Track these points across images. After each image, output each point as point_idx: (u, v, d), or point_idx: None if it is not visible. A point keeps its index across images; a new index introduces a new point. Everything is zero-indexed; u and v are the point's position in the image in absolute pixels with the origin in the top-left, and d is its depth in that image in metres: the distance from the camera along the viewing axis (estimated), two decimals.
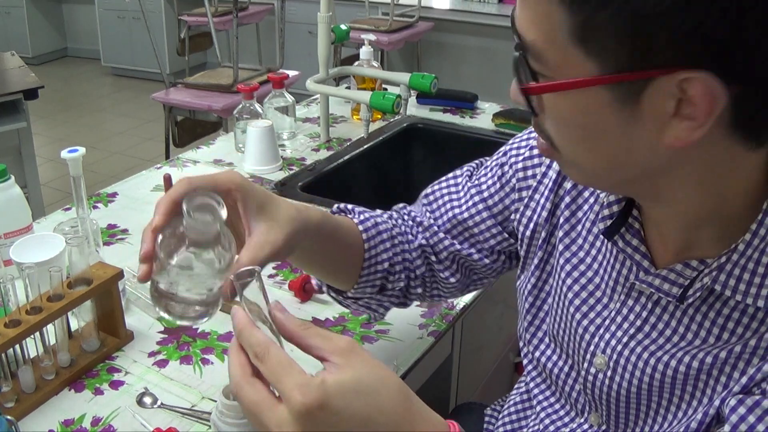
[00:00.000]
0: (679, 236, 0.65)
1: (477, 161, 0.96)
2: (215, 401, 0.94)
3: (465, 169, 0.96)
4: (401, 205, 0.99)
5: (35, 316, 0.91)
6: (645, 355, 0.68)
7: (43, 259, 1.02)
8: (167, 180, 1.25)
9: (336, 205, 0.94)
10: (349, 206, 0.93)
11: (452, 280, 0.92)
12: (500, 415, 0.99)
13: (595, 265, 0.75)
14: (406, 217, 0.95)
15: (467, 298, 1.17)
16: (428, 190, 0.96)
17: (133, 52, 5.66)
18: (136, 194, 1.54)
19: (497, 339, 1.53)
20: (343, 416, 0.52)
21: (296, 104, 1.90)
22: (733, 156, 0.57)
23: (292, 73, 2.73)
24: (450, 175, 0.96)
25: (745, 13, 0.48)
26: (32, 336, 0.92)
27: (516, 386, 0.99)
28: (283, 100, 1.82)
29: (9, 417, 0.83)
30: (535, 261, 0.85)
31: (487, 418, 1.03)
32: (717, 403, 0.62)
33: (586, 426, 0.79)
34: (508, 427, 0.96)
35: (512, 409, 0.97)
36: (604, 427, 0.76)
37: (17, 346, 0.91)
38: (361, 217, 0.90)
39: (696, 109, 0.52)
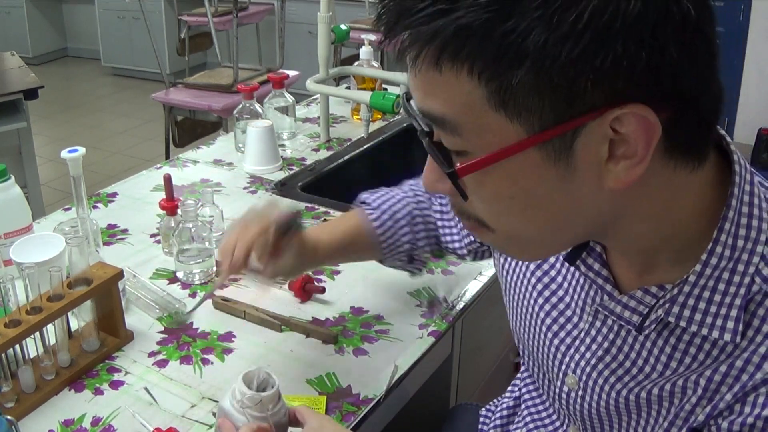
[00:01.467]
0: (639, 260, 0.63)
1: None
2: (216, 401, 0.94)
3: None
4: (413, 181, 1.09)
5: (35, 316, 0.91)
6: (612, 380, 0.68)
7: (43, 259, 1.02)
8: (167, 180, 1.25)
9: (359, 197, 1.07)
10: (370, 198, 1.04)
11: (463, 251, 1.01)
12: (493, 416, 1.00)
13: (566, 285, 0.74)
14: (437, 216, 1.04)
15: (467, 297, 1.17)
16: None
17: (133, 52, 5.65)
18: (136, 194, 1.54)
19: (497, 339, 1.53)
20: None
21: (296, 104, 1.90)
22: (678, 182, 0.55)
23: (292, 73, 2.73)
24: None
25: (661, 34, 0.46)
26: (32, 336, 0.92)
27: (510, 388, 1.00)
28: (283, 100, 1.82)
29: (9, 417, 0.83)
30: (504, 273, 0.83)
31: (481, 419, 1.04)
32: (679, 430, 0.61)
33: None
34: (499, 430, 0.97)
35: (504, 412, 0.97)
36: None
37: (17, 346, 0.91)
38: (376, 214, 1.01)
39: (631, 146, 0.50)
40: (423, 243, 1.02)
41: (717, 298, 0.57)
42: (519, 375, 0.98)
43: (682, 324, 0.59)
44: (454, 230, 1.00)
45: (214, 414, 0.92)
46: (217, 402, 0.93)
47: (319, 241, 0.97)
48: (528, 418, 0.89)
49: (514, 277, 0.81)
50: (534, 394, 0.90)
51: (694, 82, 0.49)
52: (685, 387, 0.61)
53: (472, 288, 1.20)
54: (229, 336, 1.08)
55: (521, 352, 0.85)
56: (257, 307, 1.12)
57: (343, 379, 0.99)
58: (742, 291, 0.57)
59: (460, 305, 1.15)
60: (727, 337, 0.57)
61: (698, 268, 0.57)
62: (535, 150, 0.50)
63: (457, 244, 1.00)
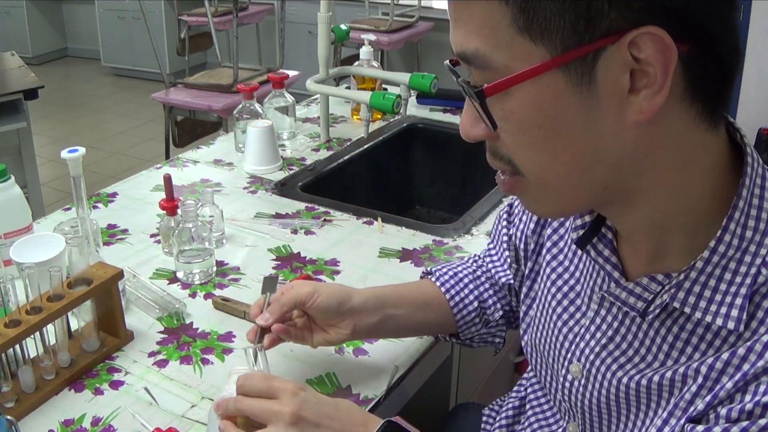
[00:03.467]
0: (649, 246, 0.64)
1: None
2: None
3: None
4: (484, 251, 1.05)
5: (35, 316, 0.91)
6: (614, 367, 0.68)
7: (43, 259, 1.02)
8: (167, 180, 1.25)
9: (423, 269, 1.05)
10: (433, 269, 1.01)
11: None
12: (498, 417, 1.00)
13: (577, 273, 0.75)
14: (488, 260, 1.01)
15: None
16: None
17: (133, 52, 5.66)
18: (136, 194, 1.54)
19: None
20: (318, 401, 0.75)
21: (296, 104, 1.90)
22: (696, 139, 0.56)
23: (292, 73, 2.73)
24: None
25: None
26: (32, 336, 0.92)
27: (516, 388, 1.00)
28: (283, 100, 1.82)
29: (9, 417, 0.83)
30: (526, 271, 0.85)
31: (484, 418, 1.04)
32: (678, 421, 0.61)
33: None
34: (504, 430, 0.96)
35: (510, 412, 0.97)
36: None
37: (17, 346, 0.91)
38: (439, 274, 0.99)
39: (651, 76, 0.51)
40: (491, 301, 0.97)
41: (723, 286, 0.58)
42: (525, 375, 0.98)
43: (687, 310, 0.60)
44: (498, 263, 0.98)
45: None
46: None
47: (387, 299, 0.94)
48: (533, 418, 0.89)
49: (533, 271, 0.84)
50: (539, 394, 0.90)
51: (708, 17, 0.51)
52: (686, 375, 0.61)
53: None
54: (229, 336, 1.08)
55: (527, 348, 0.85)
56: None
57: (343, 379, 0.99)
58: (748, 281, 0.57)
59: None
60: (731, 325, 0.58)
61: (706, 255, 0.58)
62: (559, 73, 0.52)
63: (501, 273, 0.97)
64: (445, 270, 1.00)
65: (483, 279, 0.99)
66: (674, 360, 0.63)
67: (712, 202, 0.59)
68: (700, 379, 0.60)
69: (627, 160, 0.57)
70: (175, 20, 4.68)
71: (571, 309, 0.75)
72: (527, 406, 0.92)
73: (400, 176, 1.94)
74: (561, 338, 0.76)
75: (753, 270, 0.57)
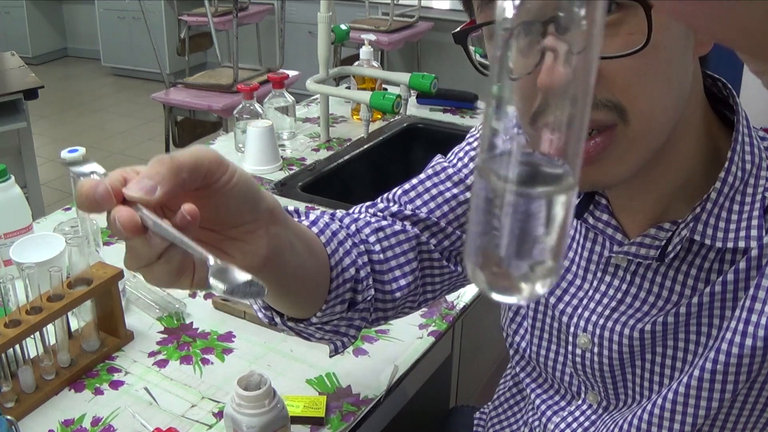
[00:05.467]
0: (653, 206, 0.66)
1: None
2: (216, 401, 0.94)
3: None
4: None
5: (35, 316, 0.91)
6: (631, 322, 0.69)
7: (43, 259, 1.02)
8: None
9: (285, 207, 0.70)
10: (290, 208, 0.73)
11: (402, 282, 0.77)
12: (488, 416, 0.98)
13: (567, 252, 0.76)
14: (340, 221, 0.79)
15: (467, 298, 1.17)
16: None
17: (133, 52, 5.65)
18: None
19: (497, 339, 1.53)
20: None
21: (296, 104, 1.90)
22: (699, 78, 0.61)
23: (292, 73, 2.73)
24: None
25: None
26: (32, 336, 0.92)
27: (502, 381, 0.98)
28: (283, 100, 1.82)
29: (9, 417, 0.83)
30: None
31: (476, 421, 1.03)
32: (735, 334, 0.62)
33: (585, 407, 0.79)
34: (498, 425, 0.95)
35: (504, 406, 0.96)
36: (604, 403, 0.76)
37: (17, 346, 0.91)
38: (313, 218, 0.74)
39: None
40: (364, 273, 0.74)
41: (734, 216, 0.62)
42: (507, 372, 0.96)
43: (707, 242, 0.62)
44: (397, 226, 0.78)
45: (214, 414, 0.92)
46: (217, 402, 0.93)
47: (287, 219, 0.62)
48: (537, 400, 0.84)
49: None
50: (535, 374, 0.86)
51: None
52: (713, 299, 0.64)
53: (472, 288, 1.20)
54: (229, 336, 1.08)
55: (516, 338, 0.84)
56: None
57: (343, 379, 0.99)
58: (757, 204, 0.62)
59: (460, 305, 1.15)
60: (753, 243, 0.61)
61: (718, 186, 0.62)
62: None
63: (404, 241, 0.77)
64: (319, 215, 0.75)
65: (351, 242, 0.75)
66: (700, 293, 0.64)
67: (708, 147, 0.63)
68: (728, 294, 0.63)
69: (684, 101, 0.60)
70: (175, 20, 4.67)
71: (563, 284, 0.75)
72: (528, 389, 0.88)
73: (400, 176, 1.93)
74: (557, 314, 0.76)
75: (758, 196, 0.62)
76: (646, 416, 0.69)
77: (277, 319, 0.72)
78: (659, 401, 0.68)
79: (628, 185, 0.64)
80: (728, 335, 0.62)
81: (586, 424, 0.78)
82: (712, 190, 0.62)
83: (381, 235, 0.77)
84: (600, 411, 0.77)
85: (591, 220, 0.70)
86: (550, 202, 0.29)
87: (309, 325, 0.72)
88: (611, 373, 0.73)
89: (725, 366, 0.62)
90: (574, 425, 0.79)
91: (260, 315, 0.74)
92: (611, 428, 0.74)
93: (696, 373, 0.64)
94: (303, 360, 1.02)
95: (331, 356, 0.79)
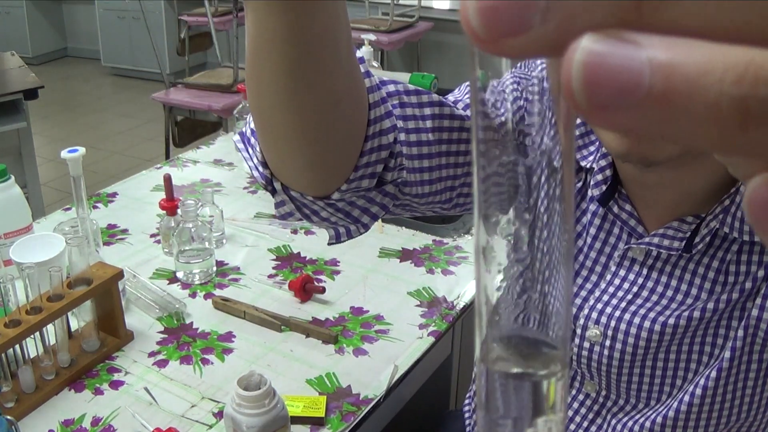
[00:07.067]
0: (678, 200, 0.65)
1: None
2: (216, 401, 0.94)
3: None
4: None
5: (35, 316, 0.91)
6: (652, 315, 0.69)
7: (43, 259, 1.02)
8: (167, 180, 1.25)
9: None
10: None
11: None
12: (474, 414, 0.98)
13: (578, 241, 0.75)
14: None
15: (467, 298, 1.17)
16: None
17: (133, 52, 5.65)
18: (136, 194, 1.54)
19: None
20: None
21: None
22: None
23: None
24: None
25: None
26: (32, 336, 0.92)
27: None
28: None
29: (9, 417, 0.83)
30: None
31: (467, 421, 1.03)
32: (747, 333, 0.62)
33: (581, 396, 0.79)
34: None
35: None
36: (604, 393, 0.76)
37: (17, 346, 0.91)
38: (370, 71, 0.63)
39: None
40: (398, 148, 0.63)
41: None
42: None
43: (735, 234, 0.62)
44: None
45: (214, 414, 0.92)
46: (217, 402, 0.94)
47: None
48: None
49: None
50: None
51: None
52: (740, 297, 0.63)
53: (472, 288, 1.20)
54: (229, 336, 1.08)
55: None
56: (257, 307, 1.12)
57: (343, 379, 0.99)
58: None
59: (460, 305, 1.15)
60: None
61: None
62: None
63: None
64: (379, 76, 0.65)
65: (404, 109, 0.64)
66: (717, 292, 0.64)
67: None
68: (755, 292, 0.62)
69: None
70: (175, 20, 4.67)
71: (577, 280, 0.75)
72: None
73: None
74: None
75: None
76: (659, 419, 0.69)
77: (277, 185, 0.60)
78: (674, 404, 0.68)
79: (659, 178, 0.65)
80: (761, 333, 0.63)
81: (583, 410, 0.78)
82: (741, 183, 0.62)
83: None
84: (600, 400, 0.77)
85: (615, 209, 0.69)
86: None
87: (322, 198, 0.60)
88: (619, 366, 0.72)
89: (748, 364, 0.63)
90: (569, 412, 0.79)
91: (256, 174, 0.61)
92: (617, 429, 0.74)
93: (713, 374, 0.65)
94: (303, 360, 1.02)
95: (329, 244, 0.67)
